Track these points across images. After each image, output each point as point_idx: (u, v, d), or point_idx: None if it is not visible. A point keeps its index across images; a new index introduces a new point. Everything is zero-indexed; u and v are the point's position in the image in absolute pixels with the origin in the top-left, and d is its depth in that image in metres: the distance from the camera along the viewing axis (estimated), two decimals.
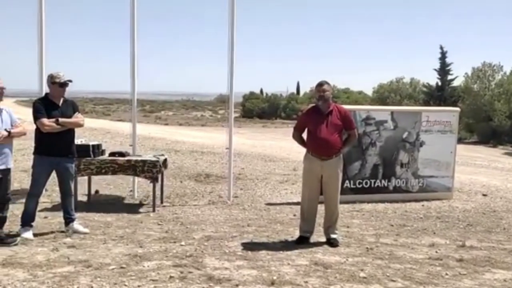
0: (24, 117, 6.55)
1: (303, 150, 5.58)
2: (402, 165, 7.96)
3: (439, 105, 28.29)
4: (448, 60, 31.86)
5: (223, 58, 7.43)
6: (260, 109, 49.65)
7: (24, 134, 5.19)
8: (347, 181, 7.62)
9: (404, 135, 7.94)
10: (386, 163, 7.88)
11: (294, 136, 5.69)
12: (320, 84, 5.41)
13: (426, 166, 8.05)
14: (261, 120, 43.29)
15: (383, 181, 7.90)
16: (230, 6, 7.34)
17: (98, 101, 71.90)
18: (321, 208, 5.54)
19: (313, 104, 5.68)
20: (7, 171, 4.97)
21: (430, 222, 6.65)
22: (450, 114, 8.30)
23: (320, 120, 5.36)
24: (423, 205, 7.71)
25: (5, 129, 4.87)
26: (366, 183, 7.82)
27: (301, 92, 58.72)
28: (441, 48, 31.83)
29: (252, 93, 53.85)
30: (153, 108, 55.66)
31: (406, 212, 7.26)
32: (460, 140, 17.57)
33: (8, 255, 4.58)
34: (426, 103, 30.74)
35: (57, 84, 5.37)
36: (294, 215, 6.58)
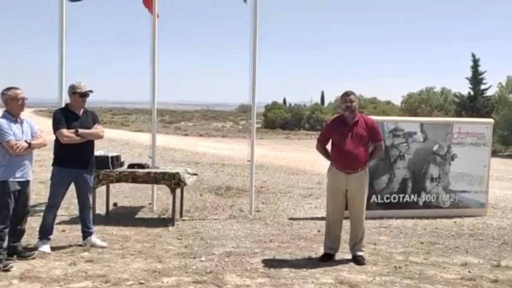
0: (42, 127, 6.52)
1: (327, 163, 5.41)
2: (432, 179, 7.63)
3: (471, 116, 27.56)
4: (481, 68, 31.02)
5: (245, 67, 7.29)
6: (283, 120, 49.46)
7: (45, 145, 5.15)
8: (374, 196, 7.34)
9: (435, 148, 7.62)
10: (416, 177, 7.56)
11: (317, 148, 5.53)
12: (347, 94, 5.24)
13: (458, 181, 7.70)
14: (284, 131, 43.04)
15: (412, 196, 7.58)
16: (252, 15, 7.21)
17: (116, 111, 72.79)
18: (346, 224, 5.36)
19: (338, 114, 5.49)
20: (26, 183, 4.93)
21: (463, 240, 6.35)
22: (483, 125, 7.95)
23: (345, 131, 5.19)
24: (455, 222, 7.36)
25: (25, 140, 4.83)
26: (394, 198, 7.52)
27: (326, 102, 58.31)
28: (473, 56, 31.05)
29: (274, 103, 53.65)
30: (173, 119, 55.92)
31: (437, 229, 6.94)
32: (494, 153, 16.96)
33: (25, 269, 4.56)
34: (458, 114, 30.00)
35: (78, 94, 5.37)
36: (318, 231, 6.37)
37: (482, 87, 31.05)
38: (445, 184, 7.67)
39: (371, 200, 7.24)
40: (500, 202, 9.17)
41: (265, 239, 6.09)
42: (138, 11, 7.43)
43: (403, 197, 7.55)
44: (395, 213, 7.45)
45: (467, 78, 31.27)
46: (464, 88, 32.04)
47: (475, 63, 30.97)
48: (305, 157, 17.84)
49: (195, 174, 7.43)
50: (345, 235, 5.42)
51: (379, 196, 7.44)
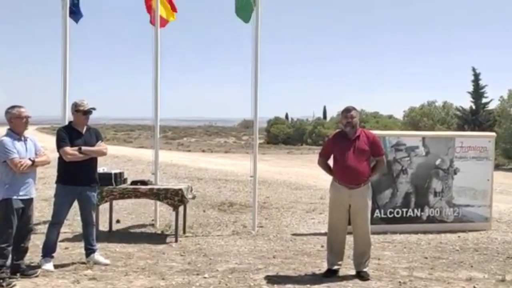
0: (46, 144, 6.55)
1: (330, 178, 5.41)
2: (435, 194, 7.59)
3: (473, 129, 27.50)
4: (481, 82, 31.05)
5: (246, 82, 7.34)
6: (285, 135, 49.51)
7: (48, 163, 5.17)
8: (377, 210, 7.32)
9: (437, 162, 7.60)
10: (419, 191, 7.53)
11: (319, 163, 5.53)
12: (348, 110, 5.25)
13: (462, 195, 7.66)
14: (287, 146, 43.04)
15: (415, 210, 7.54)
16: (254, 31, 7.26)
17: (119, 128, 72.81)
18: (350, 239, 5.33)
19: (339, 129, 5.50)
20: (29, 201, 4.95)
21: (467, 254, 6.29)
22: (485, 139, 7.94)
23: (346, 146, 5.19)
24: (459, 236, 7.31)
25: (29, 158, 4.86)
26: (397, 213, 7.49)
27: (328, 117, 58.30)
28: (474, 70, 31.09)
29: (277, 118, 53.75)
30: (176, 135, 55.93)
31: (441, 243, 6.89)
32: (497, 167, 16.86)
33: (28, 287, 4.55)
34: (460, 127, 29.93)
35: (81, 112, 5.40)
36: (322, 247, 6.33)
37: (484, 100, 31.04)
38: (449, 198, 7.63)
39: (375, 215, 7.21)
40: (504, 216, 9.11)
41: (268, 255, 6.05)
42: (141, 27, 7.50)
43: (407, 212, 7.51)
44: (398, 228, 7.40)
45: (468, 92, 31.30)
46: (466, 102, 32.04)
47: (476, 77, 31.02)
48: (307, 172, 17.81)
49: (193, 198, 7.37)
50: (348, 250, 5.39)
51: (382, 211, 7.41)
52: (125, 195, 6.64)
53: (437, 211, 7.61)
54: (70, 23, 7.23)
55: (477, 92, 31.04)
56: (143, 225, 7.75)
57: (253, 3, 7.20)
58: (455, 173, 7.64)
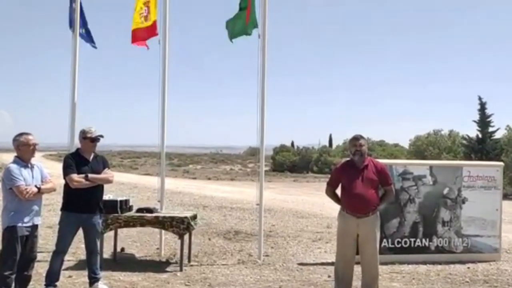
0: (52, 171, 6.55)
1: (336, 206, 5.36)
2: (444, 223, 7.47)
3: (480, 158, 27.25)
4: (488, 111, 30.94)
5: (252, 109, 7.35)
6: (291, 163, 49.35)
7: (54, 190, 5.17)
8: (385, 240, 7.20)
9: (445, 191, 7.51)
10: (427, 220, 7.42)
11: (327, 192, 5.51)
12: (356, 138, 5.26)
13: (470, 225, 7.54)
14: (292, 174, 42.84)
15: (423, 240, 7.41)
16: (261, 57, 7.33)
17: (126, 155, 72.98)
18: (357, 269, 5.23)
19: (347, 158, 5.50)
20: (34, 228, 4.92)
21: (477, 286, 6.17)
22: (493, 168, 7.85)
23: (355, 175, 5.18)
24: (468, 268, 7.15)
25: (35, 185, 4.85)
26: (405, 242, 7.36)
27: (334, 145, 58.18)
28: (480, 99, 30.95)
29: (283, 146, 53.68)
30: (181, 162, 55.89)
31: (450, 275, 6.74)
32: (506, 196, 16.61)
33: None
34: (467, 156, 29.69)
35: (89, 139, 5.42)
36: (329, 277, 6.22)
37: (490, 129, 30.86)
38: (457, 228, 7.50)
39: (382, 245, 7.09)
40: None
41: (274, 285, 5.96)
42: (148, 54, 7.58)
43: (415, 242, 7.39)
44: (407, 258, 7.26)
45: (474, 121, 31.17)
46: (472, 130, 31.85)
47: (482, 106, 30.91)
48: (314, 200, 17.68)
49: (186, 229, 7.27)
50: (356, 281, 5.30)
51: (390, 241, 7.29)
52: (130, 223, 6.58)
53: (445, 241, 7.48)
54: (80, 51, 7.34)
55: (484, 121, 30.87)
56: (148, 253, 7.67)
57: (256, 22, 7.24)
58: (463, 203, 7.53)
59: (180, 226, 6.54)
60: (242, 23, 7.34)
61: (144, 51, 7.46)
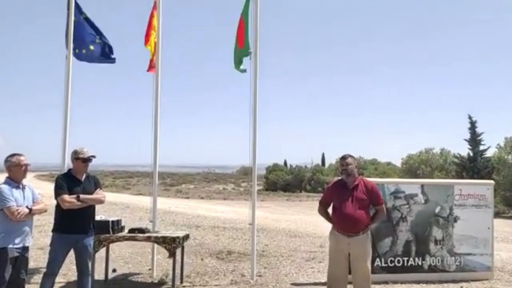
0: (44, 191, 6.51)
1: (329, 225, 5.37)
2: (436, 242, 7.47)
3: (472, 177, 27.42)
4: (478, 130, 31.28)
5: (245, 129, 7.38)
6: (284, 182, 49.34)
7: (45, 211, 5.15)
8: (377, 259, 7.19)
9: (437, 210, 7.54)
10: (419, 239, 7.42)
11: (319, 211, 5.57)
12: (344, 158, 5.36)
13: (463, 243, 7.55)
14: (285, 193, 42.78)
15: (416, 259, 7.40)
16: (253, 79, 7.39)
17: (118, 175, 72.59)
18: None
19: (340, 177, 5.54)
20: (25, 250, 4.89)
21: None
22: (484, 187, 7.90)
23: (345, 195, 5.24)
24: (461, 287, 7.14)
25: (26, 206, 4.83)
26: (398, 261, 7.34)
27: (326, 164, 58.31)
28: (470, 118, 31.33)
29: (275, 165, 53.70)
30: (174, 181, 55.59)
31: None
32: (498, 214, 16.65)
33: None
34: (459, 174, 29.88)
35: (81, 160, 5.40)
36: None
37: (481, 148, 31.15)
38: (450, 247, 7.51)
39: (375, 264, 7.09)
40: (506, 265, 8.93)
41: None
42: (141, 74, 7.61)
43: (407, 260, 7.38)
44: (400, 277, 7.24)
45: (465, 140, 31.47)
46: (463, 149, 32.19)
47: (473, 124, 31.28)
48: (307, 219, 17.63)
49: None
50: None
51: (383, 260, 7.28)
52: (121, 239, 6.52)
53: (438, 260, 7.47)
54: (72, 73, 7.35)
55: (474, 140, 31.19)
56: (140, 274, 7.58)
57: (249, 50, 7.34)
58: (455, 221, 7.55)
59: (172, 245, 6.49)
60: (237, 51, 7.45)
61: (136, 67, 7.52)
